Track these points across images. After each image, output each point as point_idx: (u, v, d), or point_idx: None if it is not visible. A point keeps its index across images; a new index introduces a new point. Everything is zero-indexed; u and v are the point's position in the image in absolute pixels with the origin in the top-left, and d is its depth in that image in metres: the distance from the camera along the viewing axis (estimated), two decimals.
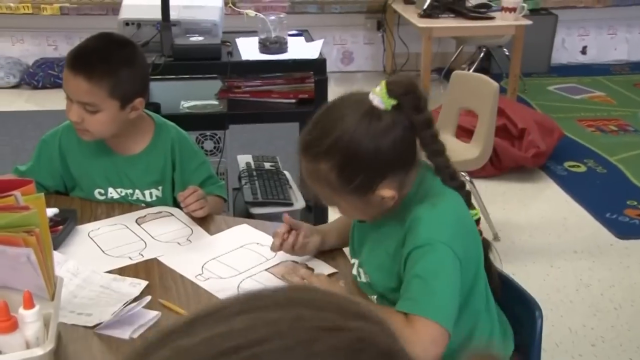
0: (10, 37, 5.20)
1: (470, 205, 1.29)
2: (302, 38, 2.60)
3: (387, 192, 1.19)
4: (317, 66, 2.36)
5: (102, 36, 1.64)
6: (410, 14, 4.26)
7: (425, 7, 4.07)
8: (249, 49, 2.41)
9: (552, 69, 5.33)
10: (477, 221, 1.30)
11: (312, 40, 2.58)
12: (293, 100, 2.44)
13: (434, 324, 1.13)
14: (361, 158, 1.16)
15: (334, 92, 4.43)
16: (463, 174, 2.94)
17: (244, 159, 2.80)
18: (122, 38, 1.68)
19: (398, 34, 5.25)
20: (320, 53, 2.40)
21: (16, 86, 4.96)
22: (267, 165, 2.76)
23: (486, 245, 1.32)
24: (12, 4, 5.03)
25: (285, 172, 2.68)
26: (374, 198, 1.20)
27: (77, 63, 1.57)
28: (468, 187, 1.32)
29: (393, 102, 1.15)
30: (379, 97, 1.16)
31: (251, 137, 3.58)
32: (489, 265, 1.33)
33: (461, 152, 2.82)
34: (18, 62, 5.12)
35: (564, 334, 2.36)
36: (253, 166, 2.73)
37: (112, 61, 1.59)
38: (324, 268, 1.46)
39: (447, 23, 4.06)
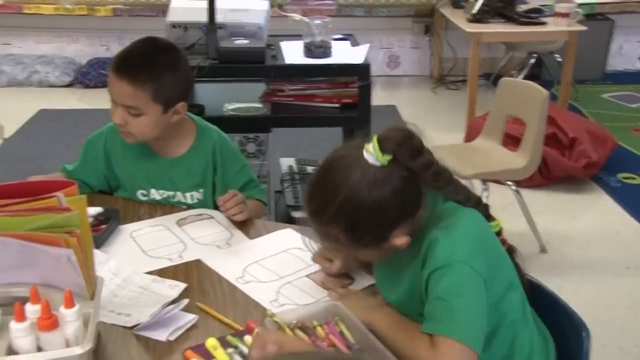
0: (66, 37, 5.35)
1: (490, 218, 1.27)
2: (347, 42, 2.59)
3: (400, 239, 1.20)
4: (361, 71, 2.35)
5: (146, 40, 1.66)
6: (458, 19, 4.20)
7: (474, 11, 4.00)
8: (293, 53, 2.41)
9: (607, 76, 5.19)
10: (499, 232, 1.28)
11: (358, 44, 2.57)
12: (336, 105, 2.43)
13: (459, 344, 1.11)
14: (366, 218, 1.16)
15: (379, 96, 4.44)
16: (509, 183, 2.88)
17: (286, 162, 2.80)
18: (166, 43, 1.70)
19: (446, 39, 5.19)
20: (365, 58, 2.38)
21: (70, 85, 5.10)
22: (309, 168, 2.75)
23: (511, 252, 1.29)
24: (69, 6, 5.17)
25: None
26: (388, 246, 1.21)
27: (122, 67, 1.60)
28: (487, 198, 1.29)
29: (388, 157, 1.14)
30: (373, 155, 1.15)
31: (294, 140, 3.59)
32: (517, 270, 1.30)
33: (507, 161, 2.76)
34: (72, 61, 5.26)
35: (614, 354, 2.28)
36: (295, 169, 2.73)
37: (155, 66, 1.60)
38: (365, 278, 1.45)
39: (496, 28, 3.99)
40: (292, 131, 3.28)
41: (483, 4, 3.97)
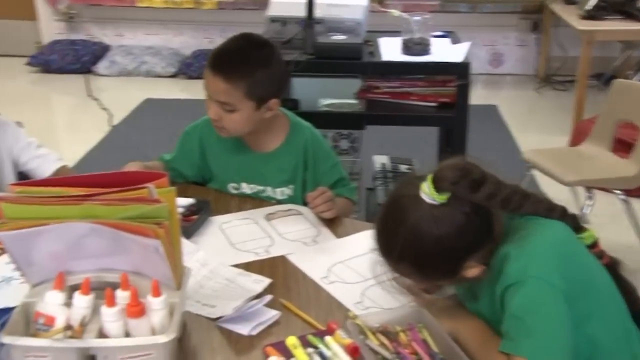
0: (173, 29, 5.54)
1: (580, 229, 1.19)
2: (447, 40, 2.51)
3: (473, 270, 1.15)
4: (460, 70, 2.27)
5: (241, 37, 1.68)
6: (570, 15, 3.99)
7: (588, 7, 3.78)
8: (391, 50, 2.37)
9: None
10: (594, 244, 1.20)
11: (459, 42, 2.49)
12: (433, 104, 2.36)
13: None
14: (431, 256, 1.13)
15: (479, 95, 4.28)
16: (617, 192, 2.70)
17: (379, 160, 2.77)
18: (261, 39, 1.71)
19: (555, 36, 4.95)
20: (466, 56, 2.30)
21: (174, 75, 5.29)
22: (402, 167, 2.71)
23: (614, 264, 1.21)
24: None
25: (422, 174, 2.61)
26: (462, 278, 1.17)
27: (217, 64, 1.62)
28: (581, 208, 1.21)
29: (445, 195, 1.10)
30: (428, 195, 1.10)
31: (388, 138, 3.54)
32: (622, 285, 1.20)
33: (617, 168, 2.60)
34: (177, 53, 5.45)
35: None
36: (389, 167, 2.69)
37: (249, 63, 1.61)
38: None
39: (613, 26, 3.75)
40: (386, 129, 3.23)
41: (599, 0, 3.74)
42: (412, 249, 1.13)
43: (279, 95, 1.69)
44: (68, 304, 1.12)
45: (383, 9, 2.74)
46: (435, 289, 1.29)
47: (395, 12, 2.43)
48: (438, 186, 1.10)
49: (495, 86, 5.14)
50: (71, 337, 1.09)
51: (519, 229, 1.15)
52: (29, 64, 5.33)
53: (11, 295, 1.22)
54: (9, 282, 1.34)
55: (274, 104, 1.67)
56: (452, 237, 1.11)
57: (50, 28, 5.54)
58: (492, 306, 1.16)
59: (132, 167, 1.64)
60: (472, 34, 3.83)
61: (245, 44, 1.66)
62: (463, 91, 2.28)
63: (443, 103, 2.36)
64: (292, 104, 2.17)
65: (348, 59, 2.28)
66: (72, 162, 3.54)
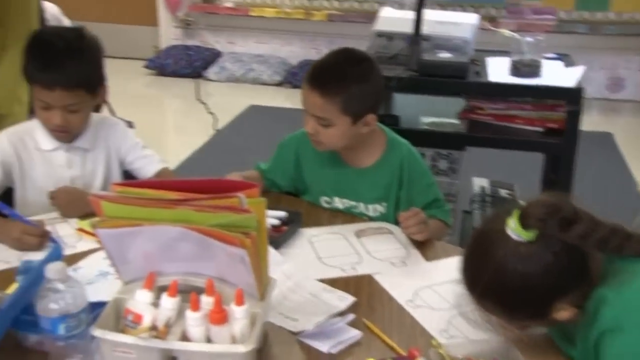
0: (282, 39, 5.66)
1: None
2: (560, 62, 2.40)
3: (564, 313, 1.09)
4: (572, 95, 2.17)
5: (340, 52, 1.68)
6: None
7: None
8: (498, 70, 2.29)
9: None
10: None
11: (573, 65, 2.37)
12: (540, 129, 2.27)
13: None
14: (517, 295, 1.08)
15: (593, 121, 4.06)
16: None
17: (479, 182, 2.69)
18: (359, 54, 1.70)
19: None
20: (579, 81, 2.19)
21: (279, 84, 5.39)
22: (502, 192, 2.62)
23: None
24: (288, 9, 5.48)
25: (522, 203, 2.51)
26: (551, 320, 1.11)
27: (314, 78, 1.63)
28: None
29: (532, 232, 1.04)
30: (514, 232, 1.03)
31: (489, 161, 3.43)
32: None
33: None
34: (284, 62, 5.56)
35: None
36: (488, 191, 2.61)
37: (346, 78, 1.61)
38: None
39: None
40: (488, 151, 3.13)
41: None
42: (496, 286, 1.08)
43: (375, 111, 1.67)
44: (155, 304, 1.15)
45: (494, 28, 2.66)
46: (523, 329, 1.22)
47: (507, 32, 2.35)
48: (525, 223, 1.05)
49: (613, 113, 4.87)
50: (155, 337, 1.12)
51: (619, 271, 1.07)
52: (146, 66, 5.62)
53: (105, 289, 1.27)
54: (105, 276, 1.40)
55: (370, 119, 1.66)
56: (539, 277, 1.06)
57: (168, 34, 5.81)
58: (586, 352, 1.09)
59: (232, 177, 1.67)
60: (590, 56, 3.66)
61: (343, 59, 1.66)
62: (573, 117, 2.17)
63: (551, 128, 2.25)
64: (392, 121, 2.15)
65: (453, 77, 2.23)
66: (176, 163, 3.68)
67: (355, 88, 1.61)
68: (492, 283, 1.09)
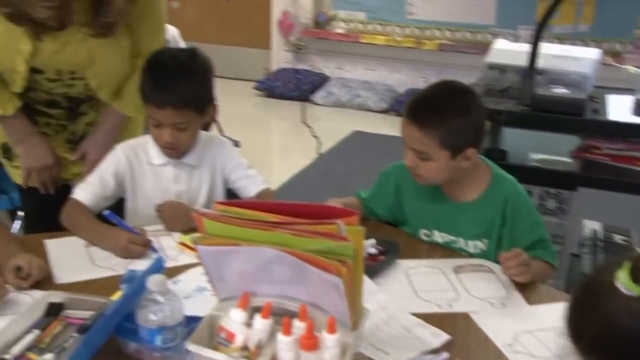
0: (391, 66, 5.67)
1: None
2: None
3: None
4: None
5: (440, 84, 1.65)
6: None
7: None
8: (619, 109, 2.17)
9: None
10: None
11: None
12: None
13: None
14: (628, 353, 0.97)
15: None
16: None
17: (590, 225, 2.54)
18: (460, 87, 1.66)
19: None
20: None
21: (385, 111, 5.40)
22: (617, 237, 2.46)
23: None
24: (398, 38, 5.49)
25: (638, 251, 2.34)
26: None
27: (412, 111, 1.60)
28: None
29: None
30: (624, 285, 0.94)
31: (603, 203, 3.23)
32: None
33: None
34: (391, 89, 5.56)
35: None
36: (600, 235, 2.46)
37: (445, 111, 1.57)
38: None
39: None
40: (602, 193, 2.97)
41: None
42: (603, 342, 1.00)
43: (476, 144, 1.62)
44: (248, 324, 1.15)
45: (617, 64, 2.53)
46: None
47: (631, 69, 2.23)
48: (636, 277, 0.97)
49: None
50: (246, 357, 1.12)
51: None
52: (256, 88, 5.80)
53: (202, 305, 1.29)
54: (202, 292, 1.43)
55: (471, 154, 1.61)
56: None
57: (279, 57, 5.98)
58: None
59: (332, 204, 1.67)
60: None
61: (443, 91, 1.63)
62: None
63: None
64: (499, 155, 2.08)
65: (568, 114, 2.13)
66: (278, 184, 3.75)
67: (454, 122, 1.57)
68: (599, 338, 1.01)
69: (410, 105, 1.63)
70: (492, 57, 2.37)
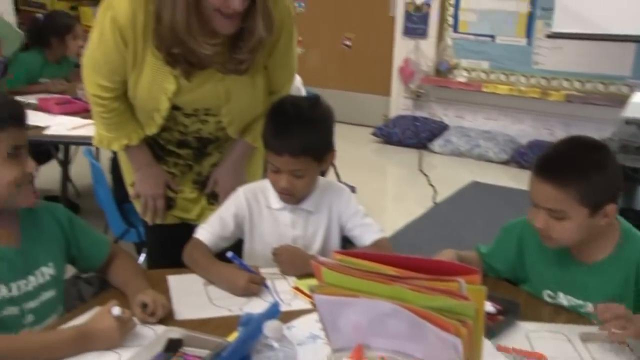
0: (513, 117, 5.53)
1: None
2: None
3: None
4: None
5: (571, 140, 1.58)
6: None
7: None
8: None
9: None
10: None
11: None
12: None
13: None
14: None
15: None
16: None
17: None
18: (592, 141, 1.57)
19: None
20: None
21: (505, 162, 5.24)
22: None
23: None
24: (523, 87, 5.35)
25: None
26: None
27: (546, 168, 1.53)
28: None
29: None
30: None
31: None
32: None
33: None
34: (513, 140, 5.40)
35: None
36: None
37: (582, 167, 1.49)
38: None
39: None
40: None
41: None
42: None
43: (616, 200, 1.52)
44: None
45: None
46: None
47: None
48: None
49: None
50: None
51: None
52: (374, 134, 5.83)
53: (314, 353, 1.28)
54: (315, 340, 1.42)
55: (611, 210, 1.51)
56: None
57: (398, 104, 6.00)
58: None
59: (447, 254, 1.63)
60: None
61: (576, 146, 1.55)
62: None
63: None
64: (634, 216, 1.93)
65: None
66: (391, 231, 3.71)
67: (594, 176, 1.49)
68: None
69: (541, 162, 1.56)
70: (631, 112, 2.24)
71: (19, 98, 3.29)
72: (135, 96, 1.86)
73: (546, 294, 1.65)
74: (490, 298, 1.54)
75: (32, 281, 1.49)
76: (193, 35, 1.69)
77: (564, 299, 1.63)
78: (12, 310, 1.45)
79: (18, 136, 1.43)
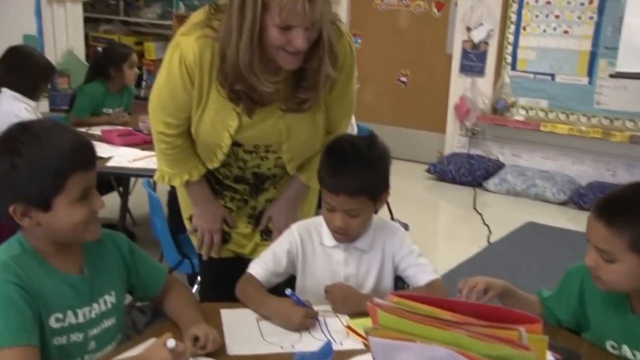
0: (573, 157, 5.39)
1: None
2: None
3: None
4: None
5: (636, 184, 1.53)
6: None
7: None
8: None
9: None
10: None
11: None
12: None
13: None
14: None
15: None
16: None
17: None
18: None
19: None
20: None
21: (563, 203, 5.10)
22: None
23: None
24: (584, 127, 5.23)
25: None
26: None
27: (602, 207, 1.50)
28: None
29: None
30: None
31: None
32: None
33: None
34: (572, 181, 5.26)
35: None
36: None
37: (638, 212, 1.44)
38: None
39: None
40: None
41: None
42: None
43: None
44: None
45: None
46: None
47: None
48: None
49: None
50: None
51: None
52: (427, 170, 5.78)
53: None
54: None
55: None
56: None
57: (453, 141, 5.94)
58: None
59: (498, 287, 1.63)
60: None
61: (637, 192, 1.50)
62: None
63: None
64: None
65: None
66: (444, 270, 3.65)
67: None
68: None
69: (600, 201, 1.53)
70: None
71: (83, 129, 3.44)
72: (198, 132, 1.89)
73: (609, 345, 1.58)
74: (551, 347, 1.48)
75: (96, 308, 1.52)
76: (255, 72, 1.72)
77: (628, 352, 1.54)
78: (77, 337, 1.48)
79: (88, 178, 1.45)
